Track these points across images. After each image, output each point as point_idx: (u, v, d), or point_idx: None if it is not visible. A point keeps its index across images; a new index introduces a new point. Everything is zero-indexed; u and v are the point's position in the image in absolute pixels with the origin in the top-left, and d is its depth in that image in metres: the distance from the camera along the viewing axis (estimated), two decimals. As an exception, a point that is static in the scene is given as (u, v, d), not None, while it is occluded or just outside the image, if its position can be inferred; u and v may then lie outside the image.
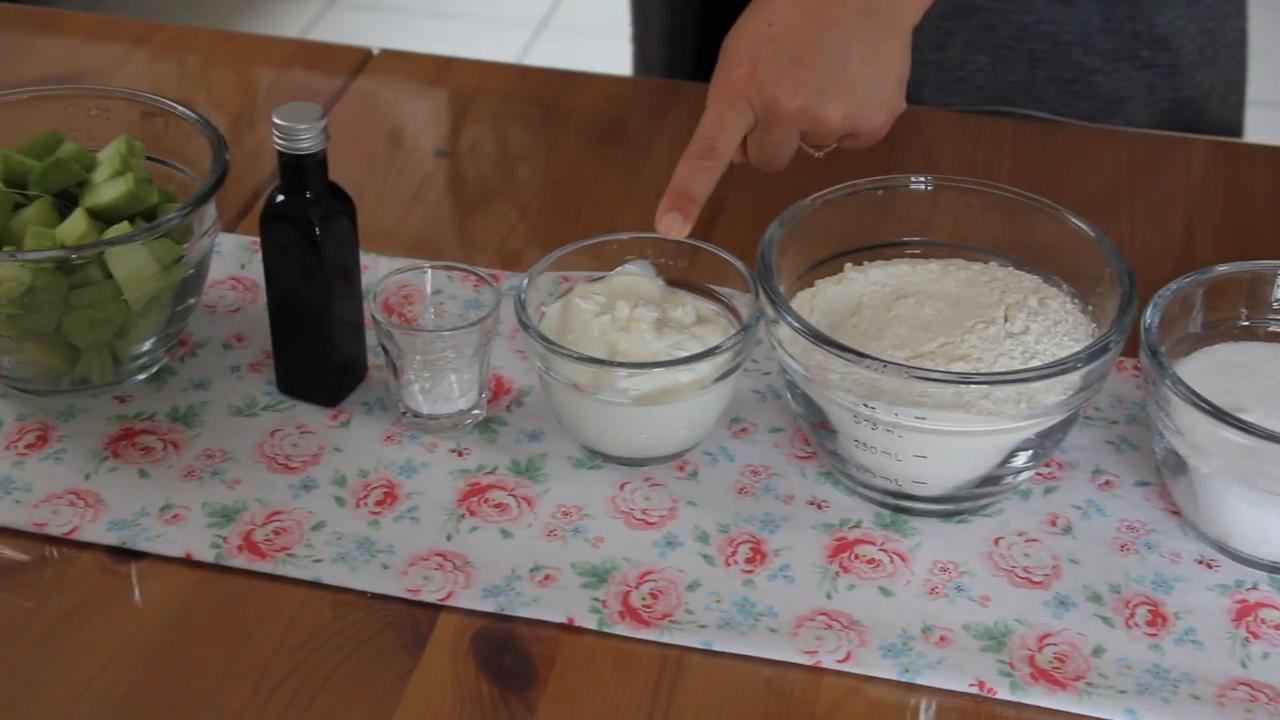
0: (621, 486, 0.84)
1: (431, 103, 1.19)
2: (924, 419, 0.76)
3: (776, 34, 0.87)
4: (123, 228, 0.85)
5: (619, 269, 0.87)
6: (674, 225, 0.85)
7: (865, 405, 0.77)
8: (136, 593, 0.78)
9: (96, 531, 0.80)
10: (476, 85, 1.19)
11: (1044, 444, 0.80)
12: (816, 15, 0.86)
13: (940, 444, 0.78)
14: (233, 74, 1.23)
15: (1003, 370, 0.79)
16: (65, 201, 0.87)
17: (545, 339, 0.81)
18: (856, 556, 0.80)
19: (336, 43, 1.25)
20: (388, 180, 1.09)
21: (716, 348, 0.81)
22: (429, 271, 0.89)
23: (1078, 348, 0.80)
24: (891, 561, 0.80)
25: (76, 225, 0.84)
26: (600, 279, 0.87)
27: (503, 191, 1.09)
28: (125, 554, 0.80)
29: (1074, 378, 0.77)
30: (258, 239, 0.99)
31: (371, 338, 0.89)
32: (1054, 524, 0.82)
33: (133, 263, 0.82)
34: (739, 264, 0.85)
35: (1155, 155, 1.11)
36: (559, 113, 1.15)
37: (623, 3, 1.32)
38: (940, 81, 1.14)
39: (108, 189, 0.86)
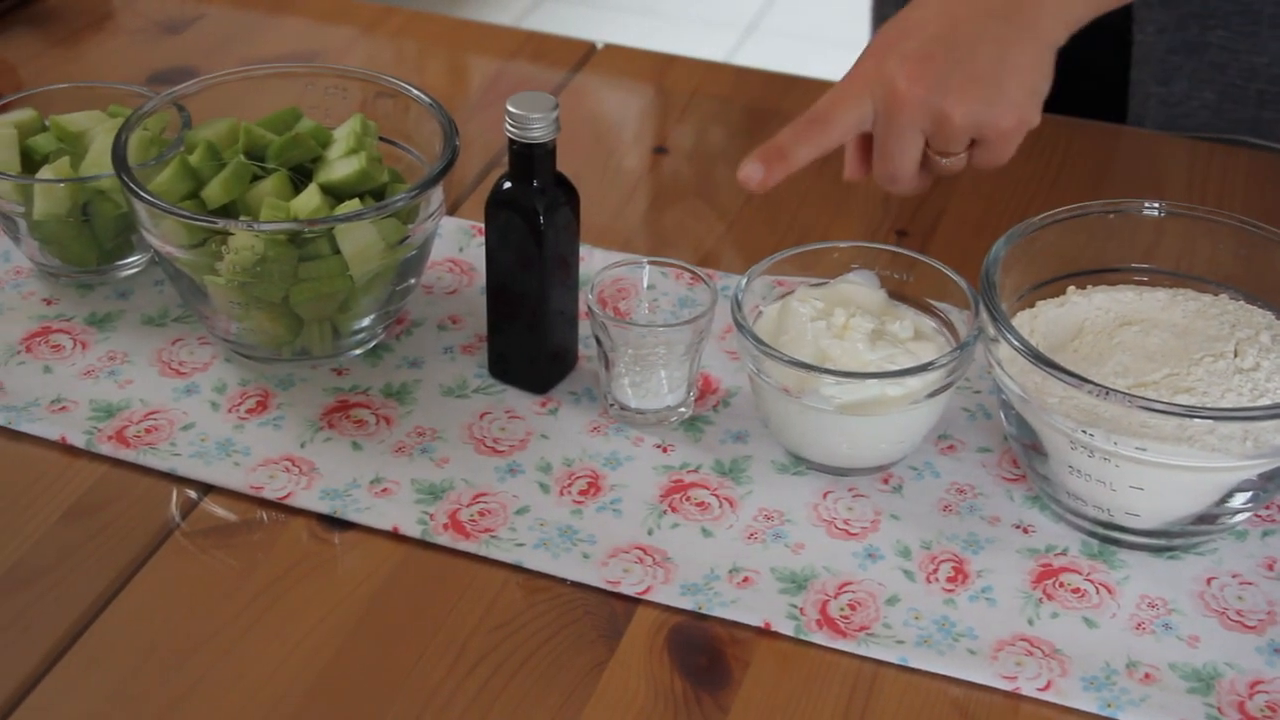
0: (824, 495, 0.83)
1: (650, 100, 1.20)
2: (1144, 450, 0.74)
3: (907, 30, 0.86)
4: (353, 205, 0.87)
5: (842, 277, 0.86)
6: (752, 174, 0.86)
7: (1083, 431, 0.75)
8: (343, 562, 0.80)
9: (309, 499, 0.82)
10: (696, 85, 1.19)
11: (1266, 486, 0.77)
12: (948, 13, 0.86)
13: (1158, 477, 0.76)
14: (447, 62, 1.26)
15: (1230, 406, 0.76)
16: (300, 176, 0.89)
17: (758, 340, 0.81)
18: (1061, 584, 0.79)
19: (558, 34, 1.27)
20: (606, 174, 1.10)
21: (929, 364, 0.80)
22: (645, 266, 0.89)
23: (1310, 388, 0.78)
24: (1097, 592, 0.78)
25: (310, 199, 0.86)
26: (822, 285, 0.86)
27: (715, 191, 1.09)
28: (334, 523, 0.82)
29: (1305, 419, 0.74)
30: (476, 223, 1.01)
31: (584, 328, 0.90)
32: (1271, 569, 0.79)
33: (360, 239, 0.84)
34: (961, 280, 0.84)
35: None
36: (778, 117, 1.15)
37: (834, 8, 1.31)
38: (1162, 116, 1.12)
39: (341, 166, 0.88)
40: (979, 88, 0.85)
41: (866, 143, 0.90)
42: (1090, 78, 1.13)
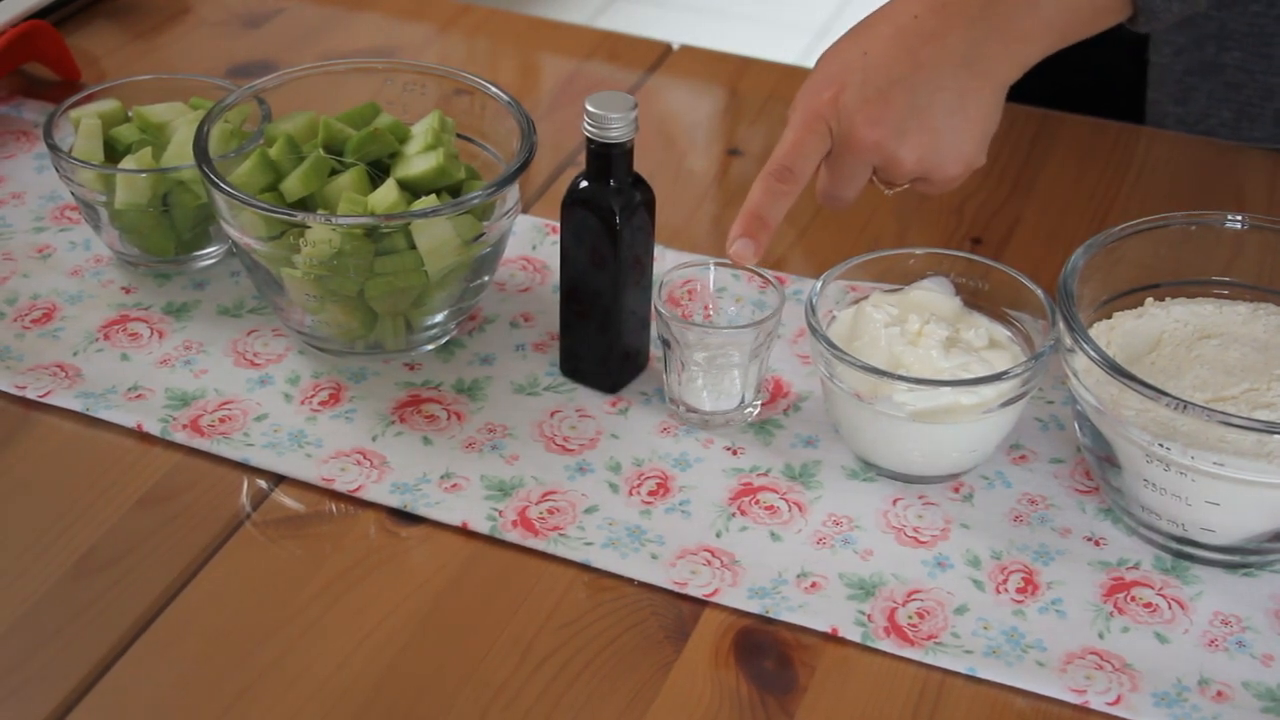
0: (894, 502, 0.83)
1: (725, 102, 1.20)
2: (1221, 465, 0.73)
3: (869, 64, 0.85)
4: (429, 201, 0.87)
5: (917, 283, 0.86)
6: (745, 253, 0.85)
7: (1160, 445, 0.74)
8: (411, 556, 0.80)
9: (379, 492, 0.83)
10: (771, 88, 1.19)
11: (1345, 504, 0.76)
12: (912, 53, 0.84)
13: (1235, 493, 0.75)
14: (521, 60, 1.26)
15: (1310, 423, 0.75)
16: (378, 171, 0.90)
17: (831, 344, 0.81)
18: (1133, 599, 0.78)
19: (632, 35, 1.27)
20: (679, 176, 1.10)
21: (1003, 373, 0.80)
22: (712, 268, 0.89)
23: (1393, 407, 0.76)
24: (1170, 608, 0.77)
25: (387, 194, 0.87)
26: (896, 291, 0.86)
27: (790, 195, 1.08)
28: (404, 517, 0.82)
29: (1387, 438, 0.73)
30: (550, 221, 1.01)
31: (654, 329, 0.90)
32: (1348, 588, 0.78)
33: (436, 235, 0.85)
34: (1038, 290, 0.83)
35: None
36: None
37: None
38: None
39: (419, 162, 0.89)
40: (934, 136, 0.85)
41: None
42: (1108, 91, 1.13)
